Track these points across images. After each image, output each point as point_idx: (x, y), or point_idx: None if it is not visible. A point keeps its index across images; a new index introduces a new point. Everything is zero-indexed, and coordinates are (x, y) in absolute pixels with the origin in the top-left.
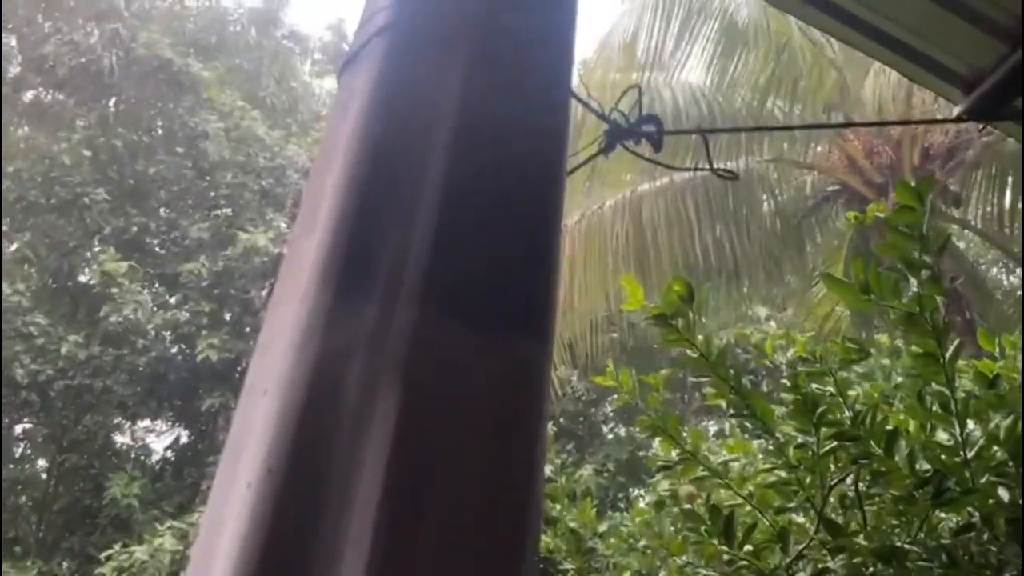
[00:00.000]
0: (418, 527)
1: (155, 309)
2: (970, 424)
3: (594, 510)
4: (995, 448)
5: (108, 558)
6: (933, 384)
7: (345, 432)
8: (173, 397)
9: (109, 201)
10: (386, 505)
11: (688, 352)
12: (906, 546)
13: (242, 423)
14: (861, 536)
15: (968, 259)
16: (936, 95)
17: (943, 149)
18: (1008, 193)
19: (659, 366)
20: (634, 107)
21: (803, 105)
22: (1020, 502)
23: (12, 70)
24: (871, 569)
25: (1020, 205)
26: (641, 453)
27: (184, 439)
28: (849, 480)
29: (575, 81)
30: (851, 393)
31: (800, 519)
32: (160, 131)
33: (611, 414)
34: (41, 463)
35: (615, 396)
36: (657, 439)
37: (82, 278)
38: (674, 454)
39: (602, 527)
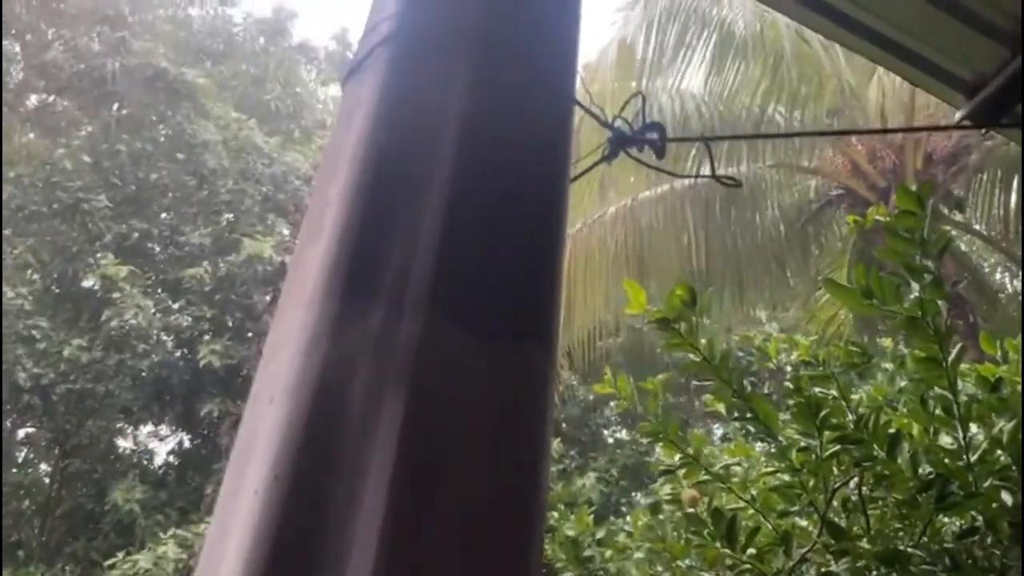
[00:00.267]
0: (423, 532)
1: (157, 314)
2: (973, 428)
3: (591, 517)
4: (998, 452)
5: (111, 566)
6: (936, 388)
7: (351, 438)
8: (176, 402)
9: (111, 208)
10: (391, 510)
11: (691, 356)
12: (909, 550)
13: (249, 430)
14: (864, 540)
15: (972, 263)
16: (939, 99)
17: (946, 153)
18: (1012, 197)
19: (662, 371)
20: (637, 114)
21: (806, 110)
22: (1022, 505)
23: (15, 75)
24: (874, 573)
25: (1022, 209)
26: (646, 459)
27: (187, 444)
28: (852, 484)
29: (578, 89)
30: (854, 397)
31: (803, 523)
32: (162, 138)
33: (613, 418)
34: (44, 467)
35: (615, 403)
36: (659, 444)
37: (85, 283)
38: (676, 458)
39: (600, 533)
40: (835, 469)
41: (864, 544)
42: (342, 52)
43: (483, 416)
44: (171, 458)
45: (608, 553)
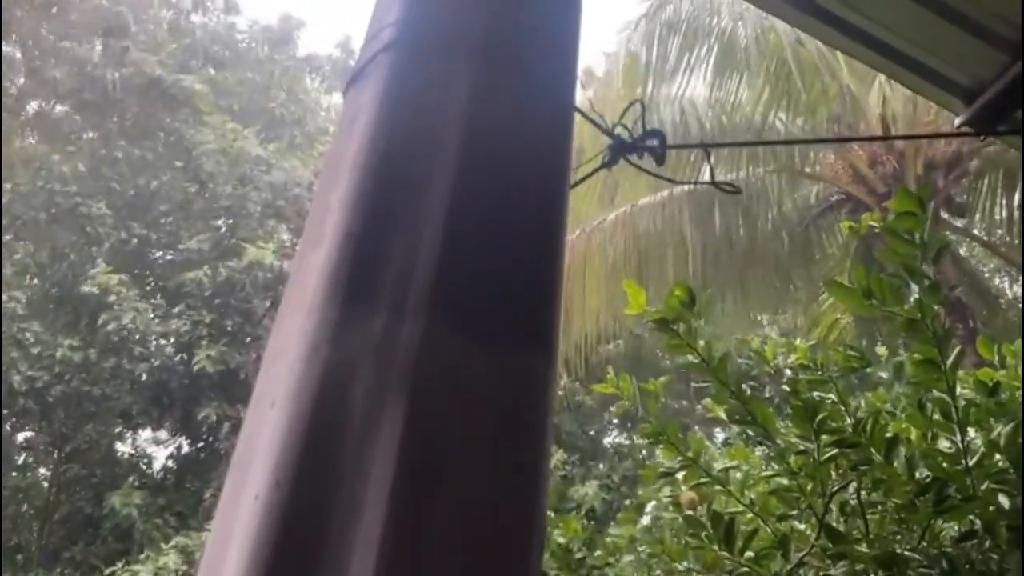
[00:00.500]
0: (423, 536)
1: (156, 319)
2: (971, 432)
3: (582, 522)
4: (996, 456)
5: (112, 575)
6: (934, 391)
7: (352, 444)
8: (174, 406)
9: (111, 214)
10: (392, 514)
11: (690, 357)
12: (907, 553)
13: (250, 434)
14: (862, 544)
15: (972, 268)
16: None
17: (947, 159)
18: (1011, 202)
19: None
20: (637, 121)
21: (806, 117)
22: (1021, 509)
23: (16, 81)
24: None
25: (1022, 214)
26: (647, 462)
27: (186, 448)
28: (851, 488)
29: (578, 95)
30: (854, 401)
31: (801, 526)
32: (161, 145)
33: (613, 423)
34: (43, 471)
35: (615, 406)
36: (659, 446)
37: (84, 288)
38: (676, 462)
39: (599, 547)
40: (833, 473)
41: (862, 548)
42: (345, 60)
43: (484, 421)
44: (170, 463)
45: (598, 552)
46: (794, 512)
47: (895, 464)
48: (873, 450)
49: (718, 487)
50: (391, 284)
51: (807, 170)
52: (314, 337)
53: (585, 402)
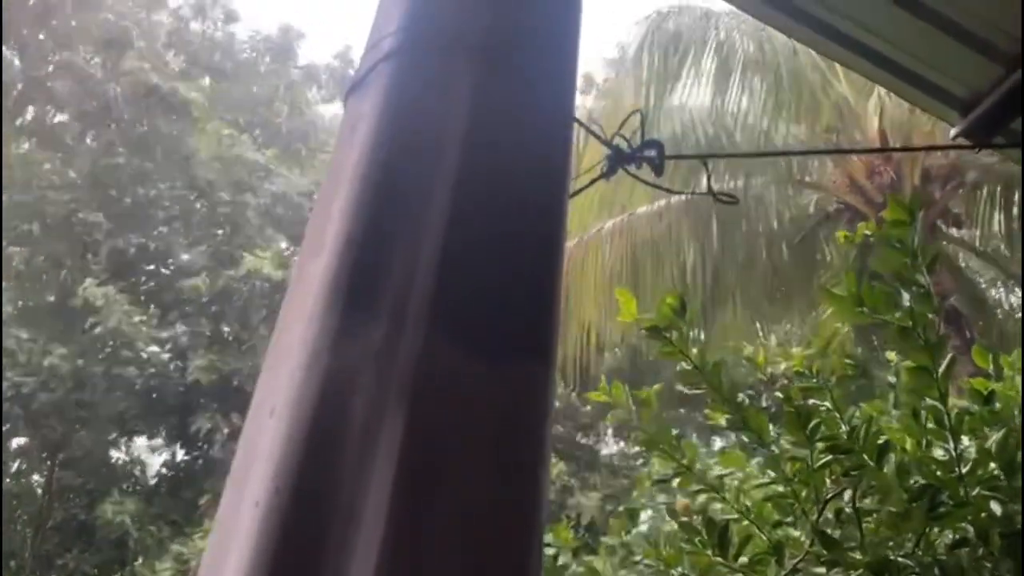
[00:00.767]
0: (423, 543)
1: (153, 326)
2: (966, 440)
3: (571, 532)
4: (990, 463)
5: None
6: (927, 399)
7: (352, 452)
8: (169, 414)
9: (108, 223)
10: (391, 522)
11: (683, 364)
12: (901, 560)
13: (249, 442)
14: (856, 550)
15: (969, 278)
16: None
17: (944, 170)
18: (1009, 212)
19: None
20: (636, 132)
21: (804, 127)
22: (1013, 516)
23: (15, 87)
24: None
25: (1019, 226)
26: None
27: (180, 456)
28: (846, 495)
29: (578, 101)
30: (851, 409)
31: (796, 533)
32: (159, 154)
33: (610, 432)
34: (36, 478)
35: (611, 412)
36: (654, 454)
37: (78, 296)
38: (671, 469)
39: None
40: (827, 480)
41: (856, 555)
42: (343, 69)
43: (483, 428)
44: (164, 470)
45: (588, 558)
46: (789, 519)
47: (885, 469)
48: (867, 457)
49: (713, 494)
50: (391, 293)
51: (806, 180)
52: (314, 345)
53: (582, 411)
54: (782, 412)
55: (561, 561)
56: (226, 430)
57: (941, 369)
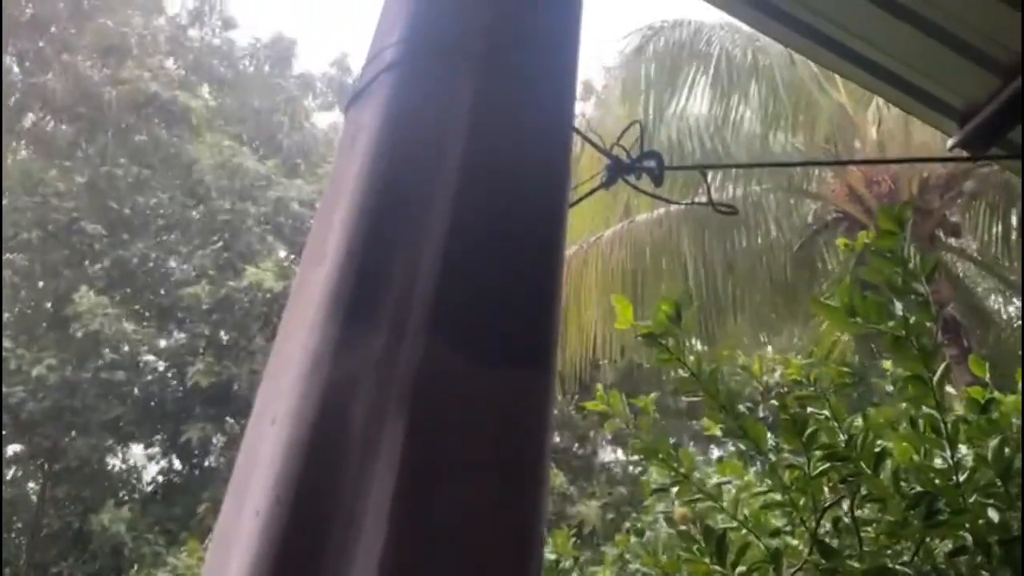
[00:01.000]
0: (424, 551)
1: (151, 334)
2: (963, 449)
3: (572, 540)
4: (987, 470)
5: None
6: (924, 408)
7: (353, 461)
8: (166, 422)
9: (106, 230)
10: (392, 531)
11: (680, 372)
12: (899, 568)
13: (250, 450)
14: (854, 559)
15: (967, 287)
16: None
17: (942, 179)
18: (1008, 221)
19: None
20: (635, 142)
21: (803, 136)
22: (1011, 523)
23: (13, 95)
24: None
25: (1018, 236)
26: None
27: (177, 464)
28: (844, 504)
29: (577, 115)
30: (850, 417)
31: (794, 541)
32: (159, 161)
33: (607, 439)
34: (32, 485)
35: (608, 420)
36: (652, 463)
37: (73, 304)
38: (668, 478)
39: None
40: (825, 488)
41: (854, 563)
42: (340, 77)
43: (483, 436)
44: (160, 478)
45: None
46: (787, 527)
47: (881, 477)
48: (863, 464)
49: (711, 503)
50: (392, 302)
51: (805, 188)
52: (315, 354)
53: (579, 420)
54: (779, 421)
55: (563, 565)
56: (223, 438)
57: (936, 377)
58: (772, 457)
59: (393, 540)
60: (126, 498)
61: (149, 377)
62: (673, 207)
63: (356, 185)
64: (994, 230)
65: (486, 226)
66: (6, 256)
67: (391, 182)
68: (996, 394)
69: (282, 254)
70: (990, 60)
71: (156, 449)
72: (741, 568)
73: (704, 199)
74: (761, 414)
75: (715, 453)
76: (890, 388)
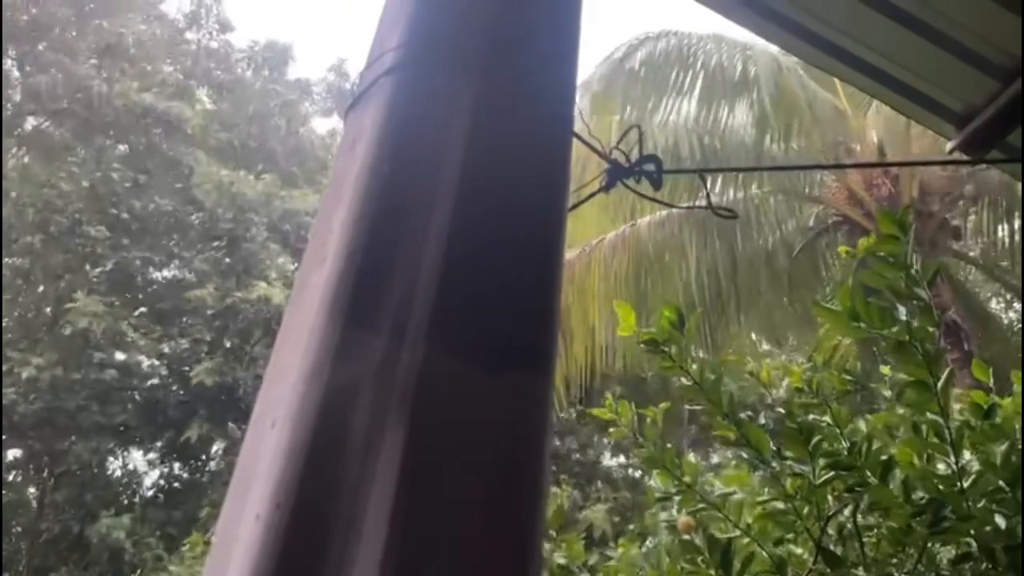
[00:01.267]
0: (425, 557)
1: (153, 340)
2: (967, 455)
3: (582, 543)
4: (992, 476)
5: None
6: (928, 413)
7: (353, 466)
8: (167, 426)
9: (106, 234)
10: (392, 536)
11: (683, 379)
12: None
13: (250, 453)
14: (859, 567)
15: (969, 291)
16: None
17: (943, 182)
18: (1010, 225)
19: (663, 401)
20: (635, 146)
21: (803, 139)
22: (1016, 530)
23: (13, 98)
24: None
25: (1019, 239)
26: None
27: (177, 469)
28: (848, 511)
29: (576, 119)
30: (852, 423)
31: (798, 550)
32: (159, 166)
33: (608, 444)
34: (32, 490)
35: (613, 428)
36: (655, 472)
37: (72, 308)
38: (671, 487)
39: (592, 559)
40: (829, 497)
41: (859, 571)
42: (339, 82)
43: (484, 441)
44: (161, 482)
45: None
46: (791, 536)
47: (891, 486)
48: (868, 472)
49: (715, 512)
50: (392, 306)
51: (806, 191)
52: (315, 358)
53: (582, 425)
54: (781, 428)
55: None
56: (225, 442)
57: (940, 383)
58: (775, 465)
59: (393, 545)
60: (127, 502)
61: (151, 381)
62: (675, 210)
63: (356, 189)
64: (995, 233)
65: (486, 229)
66: (10, 258)
67: (391, 186)
68: (996, 399)
69: (280, 261)
70: (989, 63)
71: (157, 453)
72: None
73: (704, 203)
74: (762, 421)
75: (714, 459)
76: (887, 393)
